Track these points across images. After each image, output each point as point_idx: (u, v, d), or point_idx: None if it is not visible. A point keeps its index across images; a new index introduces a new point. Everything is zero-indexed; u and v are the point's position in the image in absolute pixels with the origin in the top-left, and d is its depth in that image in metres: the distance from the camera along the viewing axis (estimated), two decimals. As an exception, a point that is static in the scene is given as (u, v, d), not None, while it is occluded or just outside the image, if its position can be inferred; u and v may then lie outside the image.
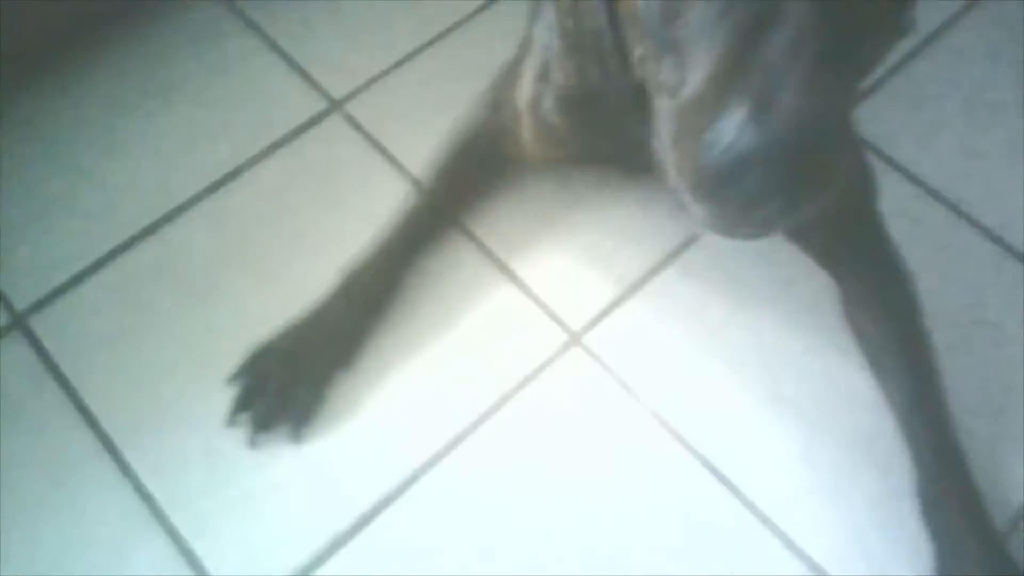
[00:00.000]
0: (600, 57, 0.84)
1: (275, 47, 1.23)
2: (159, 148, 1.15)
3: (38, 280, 1.06)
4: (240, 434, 0.96)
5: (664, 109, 0.68)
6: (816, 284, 1.01)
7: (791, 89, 0.60)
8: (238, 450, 0.95)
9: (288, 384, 0.96)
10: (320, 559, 0.90)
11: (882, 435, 0.94)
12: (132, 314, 1.04)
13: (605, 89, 0.87)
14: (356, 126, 1.17)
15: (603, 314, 1.03)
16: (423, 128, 1.09)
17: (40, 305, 1.04)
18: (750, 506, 0.92)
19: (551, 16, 0.91)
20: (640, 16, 0.70)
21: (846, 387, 0.98)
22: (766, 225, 0.66)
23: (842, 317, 0.99)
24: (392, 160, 1.14)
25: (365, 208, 1.06)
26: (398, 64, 1.22)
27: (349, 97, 1.19)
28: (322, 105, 1.19)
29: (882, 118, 1.15)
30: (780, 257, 1.01)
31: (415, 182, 1.10)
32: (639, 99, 0.76)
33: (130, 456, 0.95)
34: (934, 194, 1.10)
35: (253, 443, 0.95)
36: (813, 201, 0.63)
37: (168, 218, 1.10)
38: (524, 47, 0.99)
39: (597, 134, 0.94)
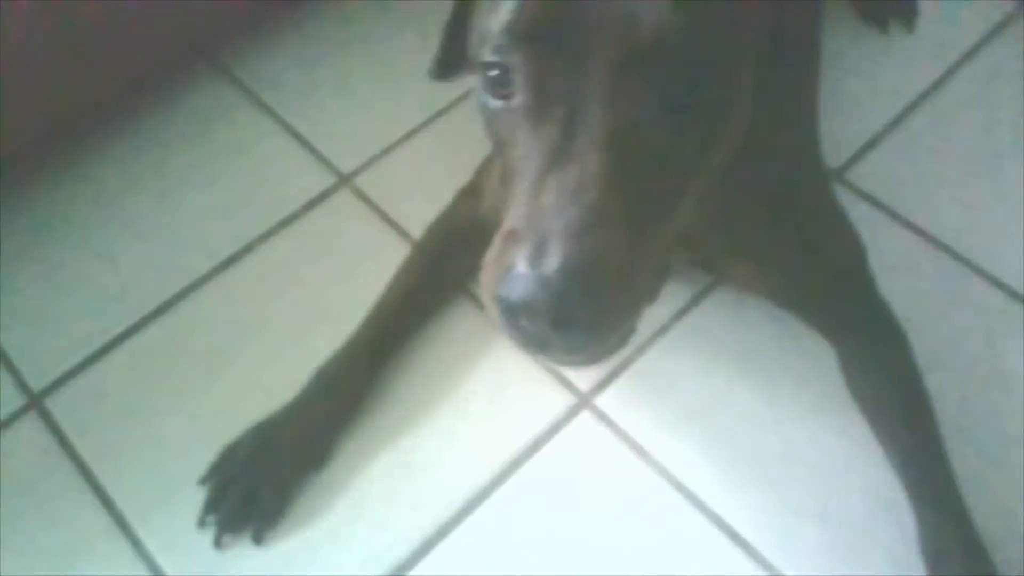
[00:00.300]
0: None
1: (284, 124, 1.27)
2: (172, 227, 1.18)
3: (54, 360, 1.07)
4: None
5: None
6: (823, 339, 1.00)
7: (561, 238, 0.58)
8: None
9: (253, 487, 0.95)
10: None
11: (899, 489, 0.92)
12: (146, 392, 1.05)
13: None
14: (364, 199, 1.19)
15: (612, 375, 1.03)
16: (430, 199, 1.10)
17: (56, 385, 1.06)
18: (767, 566, 0.91)
19: None
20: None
21: (860, 441, 0.96)
22: (569, 356, 0.65)
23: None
24: (400, 231, 1.15)
25: (376, 278, 1.07)
26: (405, 138, 1.24)
27: (357, 171, 1.22)
28: (331, 180, 1.21)
29: (883, 171, 1.16)
30: (786, 313, 1.00)
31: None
32: None
33: (142, 533, 0.96)
34: (937, 244, 1.10)
35: (219, 544, 0.94)
36: (596, 342, 0.62)
37: (182, 295, 1.12)
38: None
39: None
